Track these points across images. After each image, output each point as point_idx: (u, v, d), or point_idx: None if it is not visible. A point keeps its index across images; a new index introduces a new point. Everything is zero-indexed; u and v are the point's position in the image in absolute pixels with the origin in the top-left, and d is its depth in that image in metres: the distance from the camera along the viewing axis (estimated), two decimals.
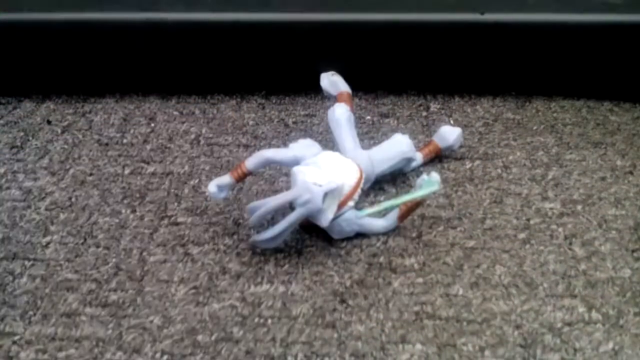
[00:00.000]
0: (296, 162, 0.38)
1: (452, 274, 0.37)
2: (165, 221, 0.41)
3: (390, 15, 0.50)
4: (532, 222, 0.41)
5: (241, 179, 0.39)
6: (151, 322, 0.34)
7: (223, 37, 0.51)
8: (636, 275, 0.37)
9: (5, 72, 0.55)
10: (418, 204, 0.38)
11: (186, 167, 0.46)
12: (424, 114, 0.52)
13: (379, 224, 0.39)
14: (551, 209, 0.42)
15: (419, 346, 0.32)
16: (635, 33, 0.50)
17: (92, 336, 0.33)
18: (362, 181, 0.39)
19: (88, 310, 0.35)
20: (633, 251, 0.38)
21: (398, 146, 0.43)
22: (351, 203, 0.38)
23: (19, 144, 0.49)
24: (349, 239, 0.39)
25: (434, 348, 0.32)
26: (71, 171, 0.46)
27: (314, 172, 0.36)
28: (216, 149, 0.48)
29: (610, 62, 0.52)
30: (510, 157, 0.47)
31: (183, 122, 0.52)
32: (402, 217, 0.39)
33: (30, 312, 0.34)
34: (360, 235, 0.39)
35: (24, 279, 0.37)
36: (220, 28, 0.51)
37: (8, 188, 0.44)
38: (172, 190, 0.44)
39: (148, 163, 0.47)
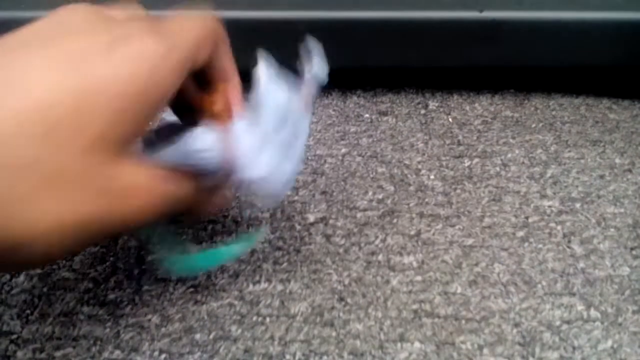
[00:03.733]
0: None
1: (450, 272, 0.37)
2: None
3: (388, 13, 0.50)
4: (530, 220, 0.40)
5: None
6: (149, 320, 0.34)
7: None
8: (635, 273, 0.37)
9: None
10: None
11: None
12: (423, 111, 0.52)
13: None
14: (550, 207, 0.42)
15: (417, 344, 0.32)
16: (634, 30, 0.50)
17: (89, 335, 0.33)
18: None
19: (85, 309, 0.34)
20: (632, 249, 0.38)
21: None
22: None
23: None
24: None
25: (432, 346, 0.32)
26: None
27: None
28: None
29: (609, 60, 0.52)
30: (509, 155, 0.47)
31: None
32: None
33: (28, 311, 0.34)
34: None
35: (21, 278, 0.36)
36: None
37: None
38: None
39: None
